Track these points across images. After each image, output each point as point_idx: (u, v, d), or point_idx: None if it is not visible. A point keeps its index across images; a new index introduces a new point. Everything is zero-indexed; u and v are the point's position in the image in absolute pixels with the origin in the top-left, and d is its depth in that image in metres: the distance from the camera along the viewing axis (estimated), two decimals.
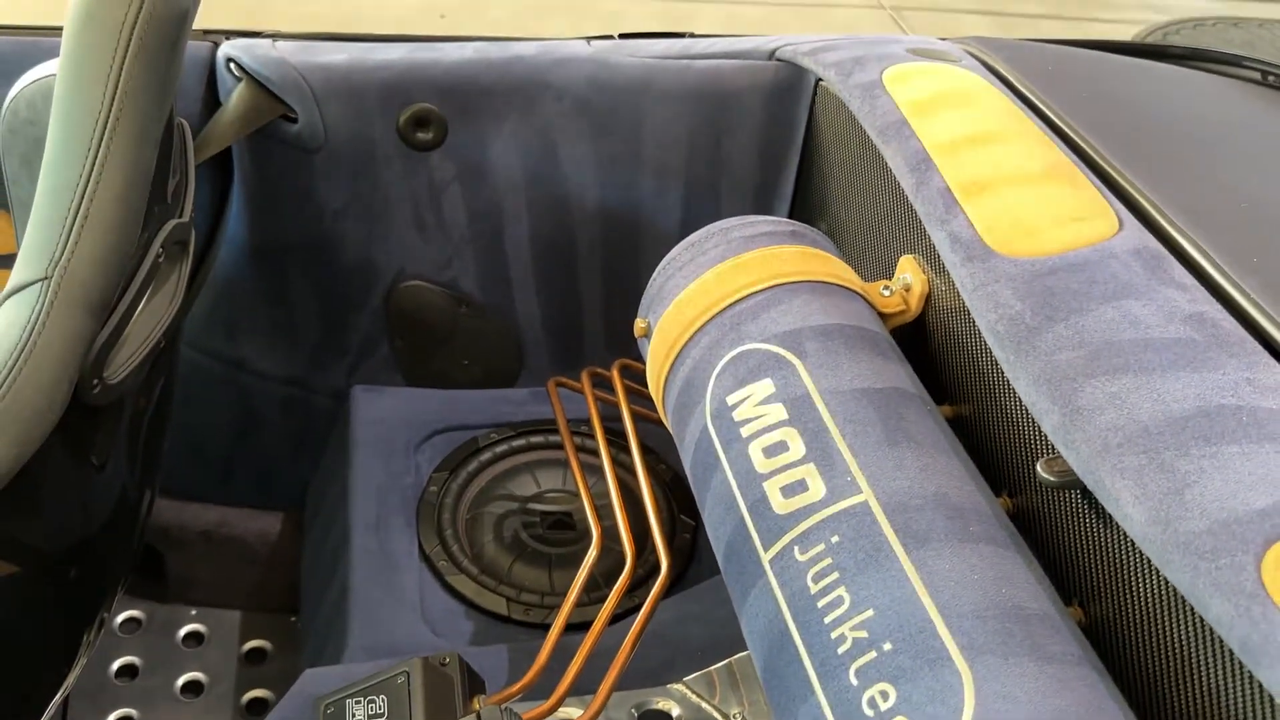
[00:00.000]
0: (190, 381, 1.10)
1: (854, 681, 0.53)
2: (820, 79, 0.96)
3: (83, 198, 0.59)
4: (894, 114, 0.81)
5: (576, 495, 1.08)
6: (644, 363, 0.86)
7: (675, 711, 0.80)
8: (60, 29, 1.04)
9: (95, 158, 0.59)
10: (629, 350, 1.02)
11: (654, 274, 0.82)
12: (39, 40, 0.99)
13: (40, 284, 0.59)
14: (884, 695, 0.51)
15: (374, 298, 1.12)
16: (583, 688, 0.74)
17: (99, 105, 0.58)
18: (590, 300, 1.15)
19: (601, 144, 1.04)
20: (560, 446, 1.12)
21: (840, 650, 0.54)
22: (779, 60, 0.99)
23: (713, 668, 0.83)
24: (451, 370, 1.18)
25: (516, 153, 1.04)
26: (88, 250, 0.59)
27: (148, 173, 0.62)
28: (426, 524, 1.02)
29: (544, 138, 1.03)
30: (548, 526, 1.05)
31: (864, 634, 0.54)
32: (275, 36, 1.03)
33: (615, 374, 0.95)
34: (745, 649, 0.84)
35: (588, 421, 0.99)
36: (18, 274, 0.61)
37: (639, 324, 0.82)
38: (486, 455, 1.10)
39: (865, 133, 0.84)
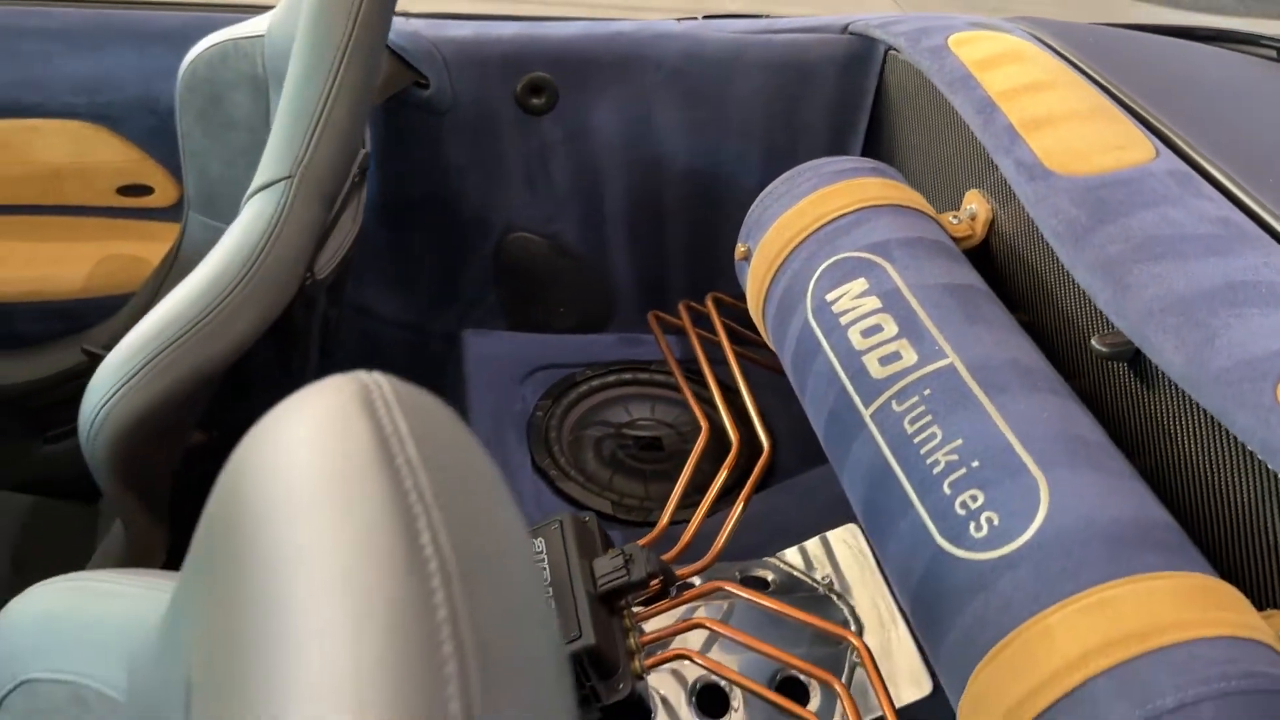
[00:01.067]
0: None
1: (948, 492, 0.66)
2: (890, 48, 1.10)
3: (322, 111, 0.73)
4: (960, 69, 0.95)
5: (663, 423, 1.22)
6: (729, 298, 0.99)
7: (770, 577, 0.93)
8: (222, 5, 1.20)
9: (335, 78, 0.73)
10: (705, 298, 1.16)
11: (752, 206, 0.95)
12: (207, 15, 1.14)
13: (286, 181, 0.73)
14: (974, 498, 0.65)
15: (486, 249, 1.26)
16: (691, 559, 0.88)
17: (340, 36, 0.73)
18: (675, 252, 1.28)
19: (691, 110, 1.18)
20: (645, 383, 1.26)
21: (935, 471, 0.67)
22: (852, 34, 1.13)
23: (801, 544, 0.96)
24: (549, 317, 1.32)
25: (617, 118, 1.18)
26: (324, 153, 0.73)
27: (369, 96, 0.76)
28: (536, 442, 1.15)
29: (641, 105, 1.17)
30: (640, 448, 1.19)
31: (955, 457, 0.67)
32: (405, 15, 1.17)
33: (710, 303, 1.09)
34: (828, 529, 0.97)
35: (663, 362, 1.13)
36: (263, 174, 0.75)
37: (739, 249, 0.95)
38: (583, 388, 1.24)
39: (934, 88, 0.98)
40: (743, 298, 1.10)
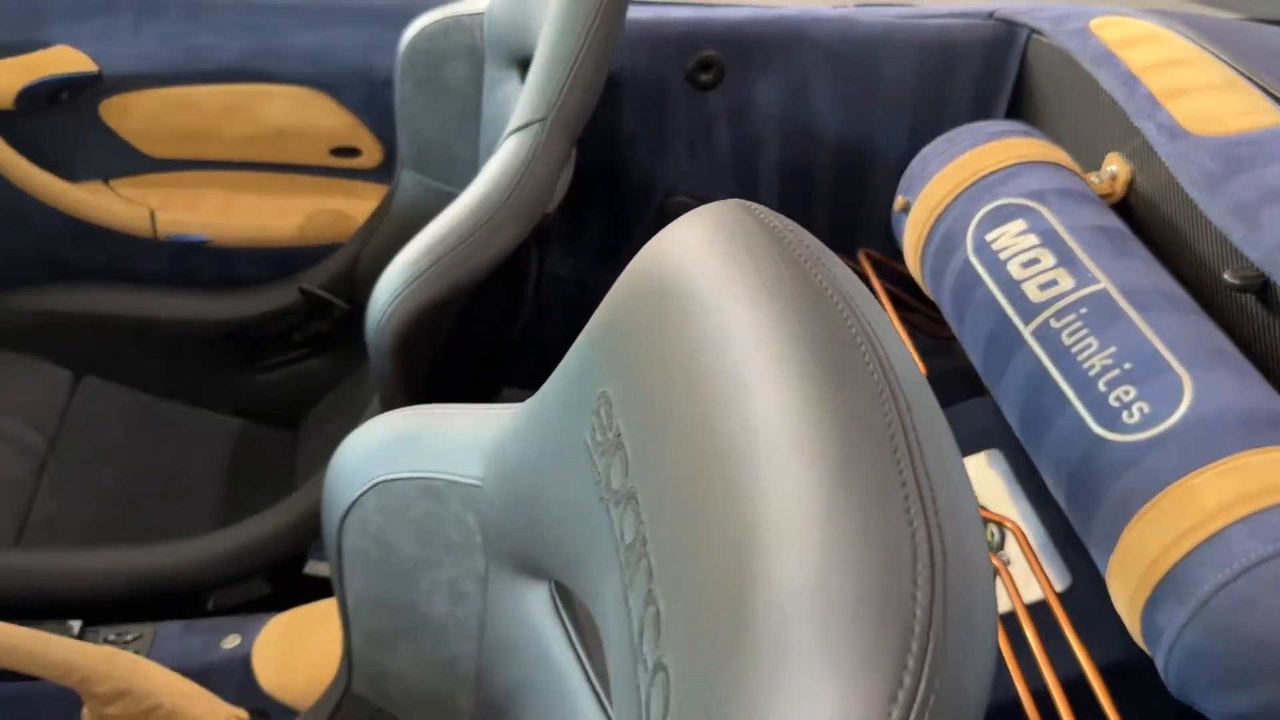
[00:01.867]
0: None
1: (1103, 389, 0.78)
2: (1034, 31, 1.22)
3: (575, 63, 0.88)
4: (1103, 48, 1.06)
5: None
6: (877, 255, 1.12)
7: None
8: None
9: (588, 35, 0.87)
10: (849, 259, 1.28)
11: (912, 162, 1.08)
12: None
13: (540, 123, 0.88)
14: (1126, 393, 0.76)
15: (649, 211, 1.40)
16: None
17: (595, 3, 0.87)
18: (820, 216, 1.41)
19: (844, 87, 1.31)
20: None
21: (1091, 373, 0.79)
22: (997, 19, 1.25)
23: None
24: None
25: (775, 93, 1.31)
26: (573, 101, 0.88)
27: (612, 53, 0.91)
28: None
29: (798, 81, 1.31)
30: None
31: (1109, 361, 0.79)
32: None
33: (864, 258, 1.22)
34: (972, 453, 1.09)
35: None
36: (520, 117, 0.90)
37: (899, 200, 1.08)
38: None
39: (1076, 64, 1.09)
40: (890, 255, 1.22)
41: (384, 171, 1.44)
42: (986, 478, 1.08)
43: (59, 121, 1.35)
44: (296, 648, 0.97)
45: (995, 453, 1.10)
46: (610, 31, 0.88)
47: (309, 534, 1.14)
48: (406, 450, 0.66)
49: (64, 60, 1.31)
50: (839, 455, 0.34)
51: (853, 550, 0.31)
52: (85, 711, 0.89)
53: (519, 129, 0.89)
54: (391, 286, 0.86)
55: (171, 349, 1.41)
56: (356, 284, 1.38)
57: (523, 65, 1.14)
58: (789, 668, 0.30)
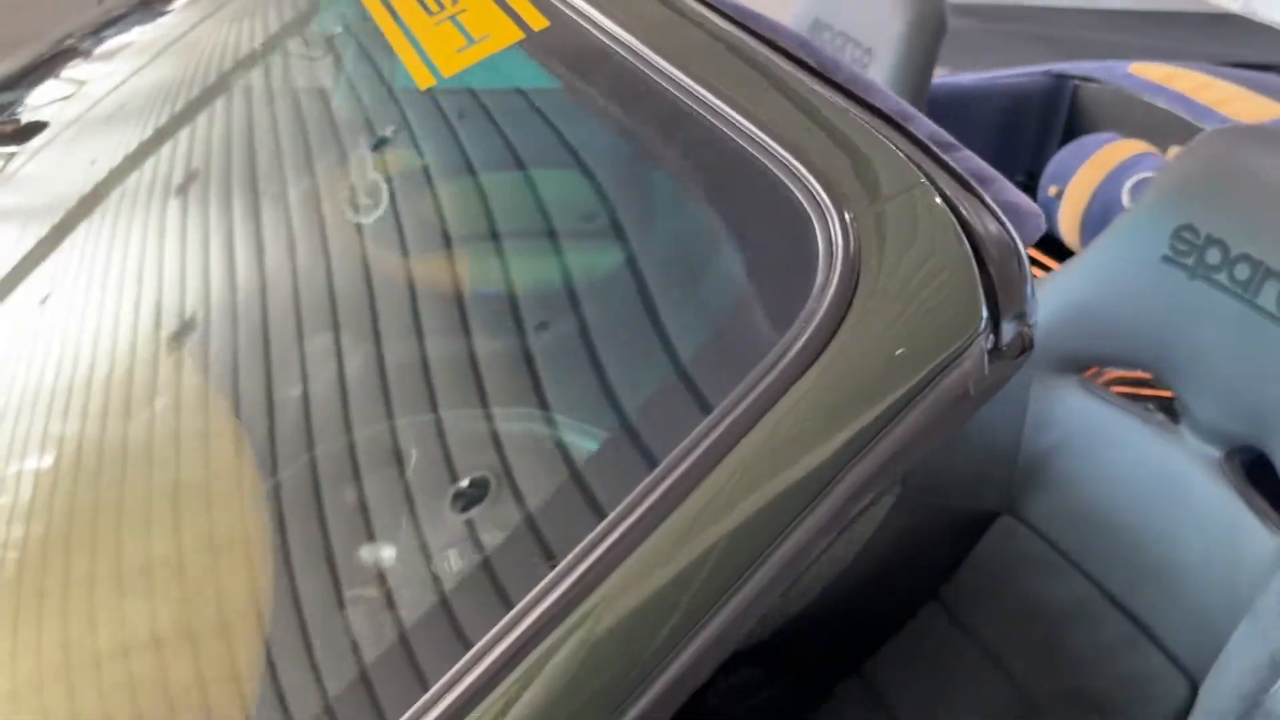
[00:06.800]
0: None
1: None
2: (1083, 79, 1.77)
3: None
4: (1149, 82, 1.62)
5: None
6: None
7: None
8: None
9: None
10: None
11: (1051, 164, 1.58)
12: None
13: None
14: None
15: None
16: None
17: None
18: None
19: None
20: None
21: None
22: (1050, 75, 1.80)
23: None
24: None
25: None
26: None
27: None
28: None
29: None
30: None
31: None
32: None
33: None
34: None
35: None
36: None
37: (1052, 189, 1.57)
38: None
39: (1130, 96, 1.65)
40: None
41: None
42: None
43: None
44: None
45: None
46: None
47: None
48: None
49: None
50: None
51: None
52: None
53: None
54: None
55: None
56: None
57: None
58: None
